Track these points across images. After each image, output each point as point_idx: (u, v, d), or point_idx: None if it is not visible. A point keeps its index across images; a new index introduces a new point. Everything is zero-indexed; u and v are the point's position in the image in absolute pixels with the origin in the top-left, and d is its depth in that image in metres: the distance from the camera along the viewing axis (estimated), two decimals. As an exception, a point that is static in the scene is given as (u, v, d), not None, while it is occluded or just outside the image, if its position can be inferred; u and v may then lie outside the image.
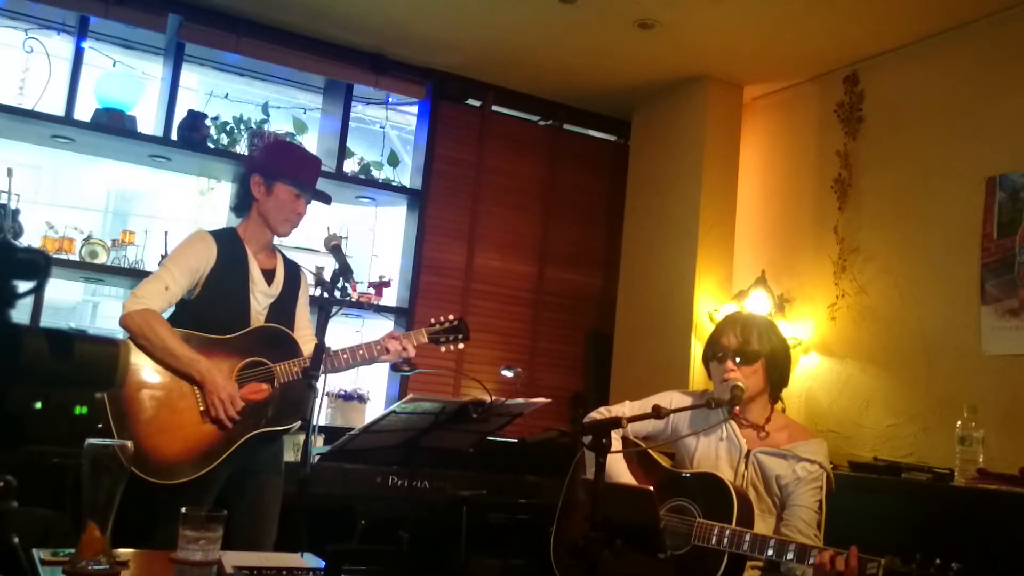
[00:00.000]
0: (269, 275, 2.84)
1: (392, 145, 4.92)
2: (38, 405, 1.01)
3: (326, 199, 2.93)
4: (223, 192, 4.66)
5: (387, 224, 5.10)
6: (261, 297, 2.80)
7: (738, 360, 2.57)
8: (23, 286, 0.99)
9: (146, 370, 2.57)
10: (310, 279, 2.98)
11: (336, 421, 4.13)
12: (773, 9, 3.61)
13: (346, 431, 2.68)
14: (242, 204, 2.87)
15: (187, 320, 2.70)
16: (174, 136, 4.03)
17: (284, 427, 2.68)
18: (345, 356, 2.80)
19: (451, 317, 2.99)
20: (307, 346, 2.77)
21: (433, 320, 2.99)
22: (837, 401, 3.85)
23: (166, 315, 2.68)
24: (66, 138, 3.95)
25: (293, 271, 2.93)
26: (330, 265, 2.74)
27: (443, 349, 2.99)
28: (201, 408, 2.60)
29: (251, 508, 2.72)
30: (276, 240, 2.94)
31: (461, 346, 3.00)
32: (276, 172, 2.81)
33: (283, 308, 2.85)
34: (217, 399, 2.58)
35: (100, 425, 2.40)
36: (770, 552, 2.22)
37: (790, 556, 2.19)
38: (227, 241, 2.79)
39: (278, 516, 2.76)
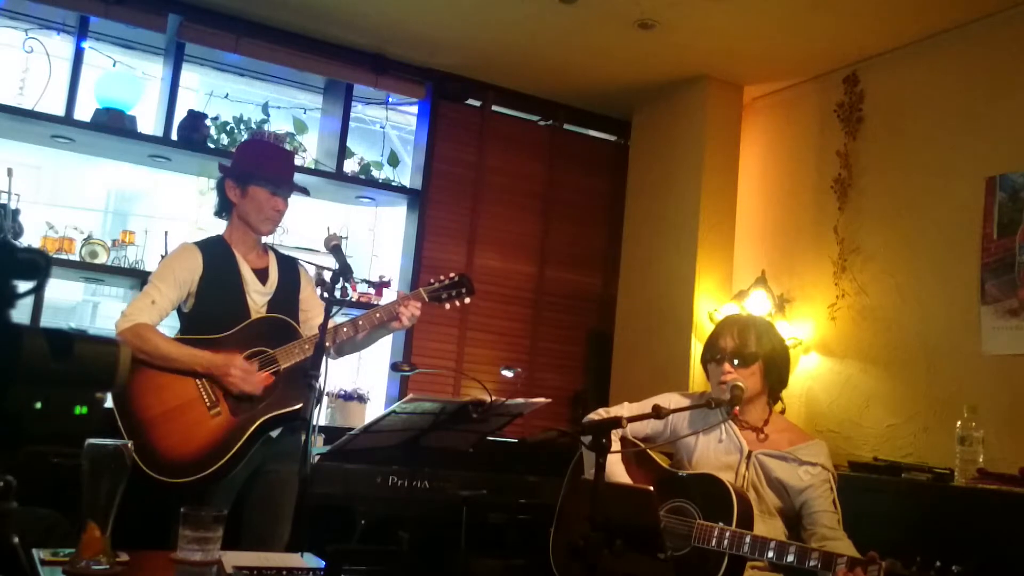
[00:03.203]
0: (262, 274, 2.85)
1: (392, 145, 4.92)
2: (38, 405, 1.00)
3: (304, 192, 2.95)
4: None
5: (387, 224, 5.10)
6: (257, 296, 2.81)
7: (736, 362, 2.58)
8: (23, 286, 0.99)
9: (151, 377, 2.60)
10: (310, 270, 2.99)
11: (336, 421, 4.12)
12: (773, 9, 3.61)
13: (346, 431, 2.67)
14: (222, 209, 2.89)
15: (189, 329, 2.73)
16: (174, 136, 4.03)
17: (292, 408, 2.68)
18: (345, 329, 2.79)
19: (452, 274, 2.99)
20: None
21: (432, 279, 2.98)
22: (837, 401, 3.85)
23: (171, 333, 2.70)
24: (66, 138, 3.95)
25: (288, 266, 2.94)
26: (330, 265, 2.74)
27: (447, 307, 2.98)
28: (207, 404, 2.61)
29: (262, 506, 2.74)
30: (277, 240, 2.95)
31: (467, 300, 2.98)
32: (247, 174, 2.82)
33: (282, 303, 2.86)
34: (231, 378, 2.61)
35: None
36: (770, 554, 2.22)
37: (790, 558, 2.19)
38: (213, 248, 2.81)
39: (291, 515, 2.76)
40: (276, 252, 2.98)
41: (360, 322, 2.82)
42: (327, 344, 2.50)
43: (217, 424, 2.61)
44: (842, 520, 2.44)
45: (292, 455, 2.82)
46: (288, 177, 2.89)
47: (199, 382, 2.64)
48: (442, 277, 2.98)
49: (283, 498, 2.74)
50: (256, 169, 2.82)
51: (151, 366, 2.59)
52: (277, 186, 2.83)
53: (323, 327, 2.44)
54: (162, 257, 3.57)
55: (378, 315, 2.84)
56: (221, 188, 2.87)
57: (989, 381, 3.26)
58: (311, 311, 2.91)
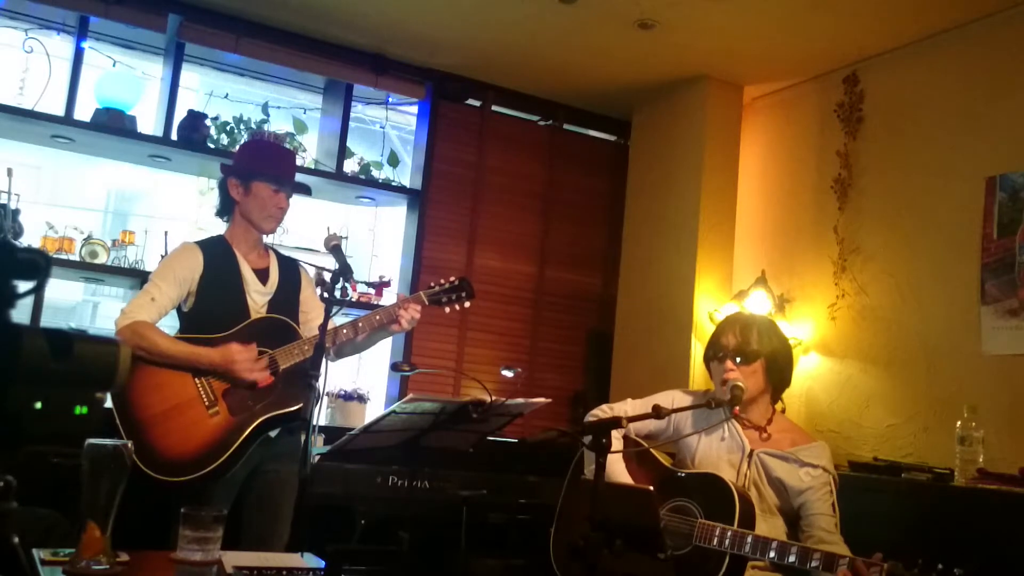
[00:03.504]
0: (263, 274, 2.86)
1: (392, 145, 4.92)
2: (38, 405, 1.00)
3: (306, 191, 2.96)
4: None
5: (387, 224, 5.10)
6: (257, 296, 2.81)
7: (738, 360, 2.58)
8: (23, 286, 0.99)
9: (150, 376, 2.60)
10: (310, 271, 2.99)
11: (336, 421, 4.12)
12: (773, 9, 3.61)
13: (346, 431, 2.67)
14: (224, 209, 2.90)
15: (189, 329, 2.74)
16: (174, 136, 4.03)
17: (290, 409, 2.68)
18: (345, 331, 2.79)
19: (452, 278, 2.99)
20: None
21: (432, 283, 2.99)
22: (837, 401, 3.85)
23: (171, 332, 2.70)
24: (66, 138, 3.95)
25: (289, 267, 2.95)
26: (330, 265, 2.74)
27: (447, 310, 2.98)
28: (206, 404, 2.62)
29: (262, 506, 2.74)
30: (277, 241, 2.95)
31: (467, 304, 2.99)
32: (250, 171, 2.83)
33: (282, 304, 2.86)
34: (238, 370, 2.61)
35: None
36: (772, 554, 2.22)
37: (792, 559, 2.19)
38: (214, 248, 2.82)
39: (291, 515, 2.76)
40: (277, 253, 2.99)
41: (360, 324, 2.82)
42: (327, 345, 2.50)
43: (216, 423, 2.61)
44: (841, 521, 2.44)
45: (291, 455, 2.82)
46: (291, 174, 2.90)
47: (198, 381, 2.64)
48: (443, 281, 2.98)
49: (283, 498, 2.75)
50: (259, 166, 2.83)
51: (150, 364, 2.59)
52: (280, 183, 2.84)
53: (323, 327, 2.44)
54: (162, 257, 3.58)
55: (378, 317, 2.84)
56: (223, 187, 2.87)
57: (989, 381, 3.26)
58: (311, 312, 2.91)
